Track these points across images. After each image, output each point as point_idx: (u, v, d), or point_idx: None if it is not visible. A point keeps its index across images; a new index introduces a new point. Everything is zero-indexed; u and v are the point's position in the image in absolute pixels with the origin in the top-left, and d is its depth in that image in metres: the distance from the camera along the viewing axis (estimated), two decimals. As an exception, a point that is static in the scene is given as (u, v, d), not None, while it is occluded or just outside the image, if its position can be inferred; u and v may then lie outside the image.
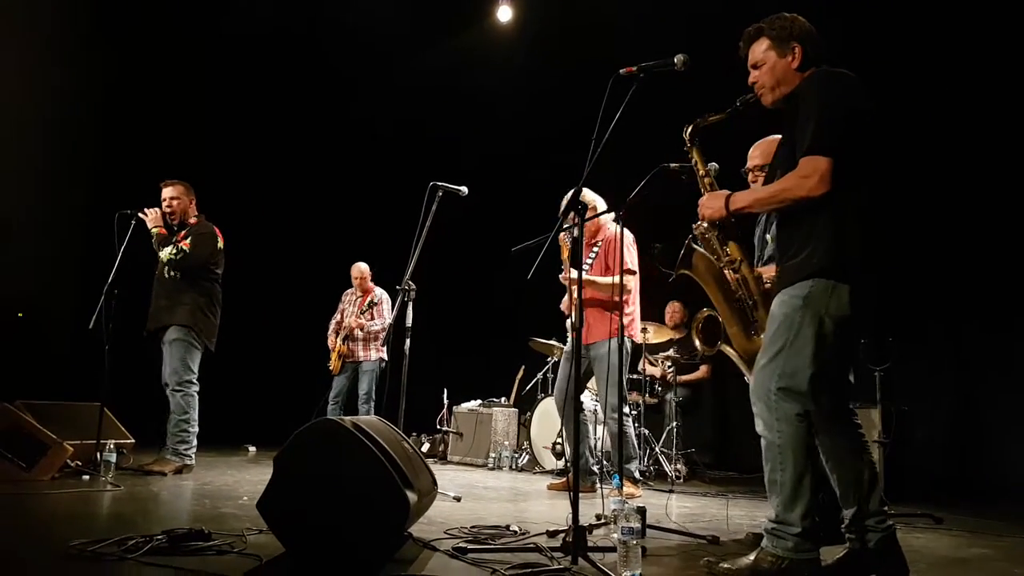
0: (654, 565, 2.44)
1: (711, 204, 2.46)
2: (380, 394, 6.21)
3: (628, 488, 4.00)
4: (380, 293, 6.61)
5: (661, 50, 2.71)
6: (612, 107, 2.59)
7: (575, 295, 4.56)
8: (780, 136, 3.13)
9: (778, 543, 2.17)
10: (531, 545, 2.51)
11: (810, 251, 2.21)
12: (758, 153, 3.10)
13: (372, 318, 6.39)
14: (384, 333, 6.39)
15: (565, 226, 2.81)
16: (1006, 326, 5.59)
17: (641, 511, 2.95)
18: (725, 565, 2.26)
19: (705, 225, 2.82)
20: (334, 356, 6.42)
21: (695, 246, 2.60)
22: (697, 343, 3.35)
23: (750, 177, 3.06)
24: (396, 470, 2.20)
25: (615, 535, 2.88)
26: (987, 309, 5.53)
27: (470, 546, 2.45)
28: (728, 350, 3.36)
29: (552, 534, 2.79)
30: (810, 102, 2.24)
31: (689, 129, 2.65)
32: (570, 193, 4.70)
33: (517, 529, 2.83)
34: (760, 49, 2.42)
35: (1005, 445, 5.59)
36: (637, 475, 4.59)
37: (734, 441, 7.36)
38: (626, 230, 4.71)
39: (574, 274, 4.63)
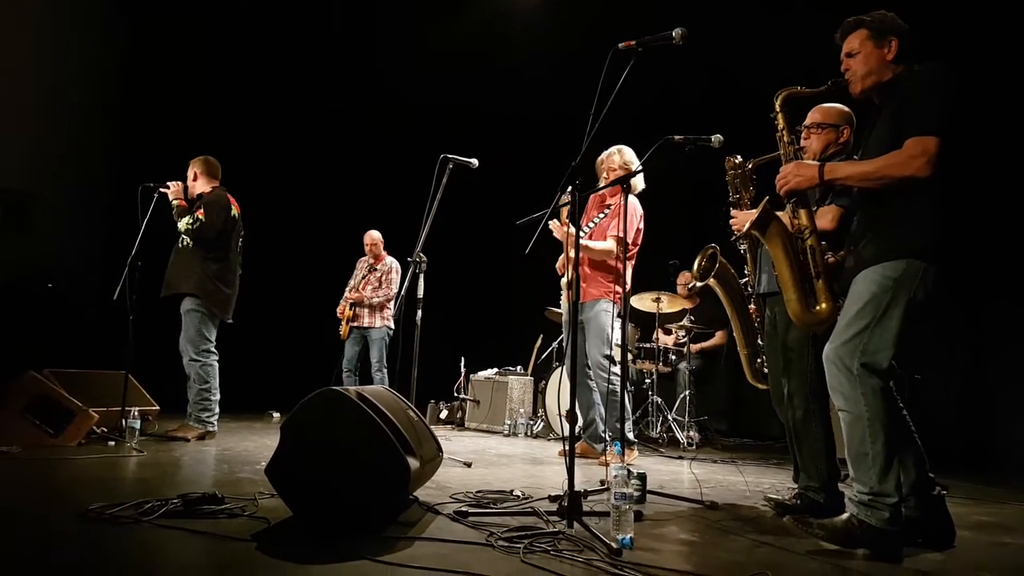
0: (650, 529, 2.49)
1: (802, 173, 2.46)
2: (392, 362, 6.31)
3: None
4: (390, 262, 6.71)
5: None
6: (611, 80, 2.59)
7: (570, 253, 4.64)
8: (838, 104, 3.11)
9: (873, 513, 2.22)
10: (529, 509, 2.59)
11: (902, 231, 2.26)
12: (819, 115, 3.06)
13: (379, 286, 6.54)
14: (391, 303, 6.55)
15: (562, 203, 2.82)
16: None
17: (642, 477, 3.03)
18: (817, 523, 2.34)
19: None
20: (343, 323, 6.62)
21: (772, 210, 2.59)
22: (694, 267, 3.34)
23: (804, 135, 3.00)
24: (396, 435, 2.28)
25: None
26: (1002, 282, 5.44)
27: (472, 510, 2.53)
28: (717, 288, 3.35)
29: (554, 499, 2.86)
30: (924, 87, 2.29)
31: (780, 97, 2.68)
32: (609, 152, 4.70)
33: (520, 494, 2.90)
34: (857, 40, 2.48)
35: (1014, 416, 5.55)
36: (631, 436, 4.66)
37: (749, 409, 7.37)
38: (637, 202, 4.72)
39: (573, 232, 4.69)
